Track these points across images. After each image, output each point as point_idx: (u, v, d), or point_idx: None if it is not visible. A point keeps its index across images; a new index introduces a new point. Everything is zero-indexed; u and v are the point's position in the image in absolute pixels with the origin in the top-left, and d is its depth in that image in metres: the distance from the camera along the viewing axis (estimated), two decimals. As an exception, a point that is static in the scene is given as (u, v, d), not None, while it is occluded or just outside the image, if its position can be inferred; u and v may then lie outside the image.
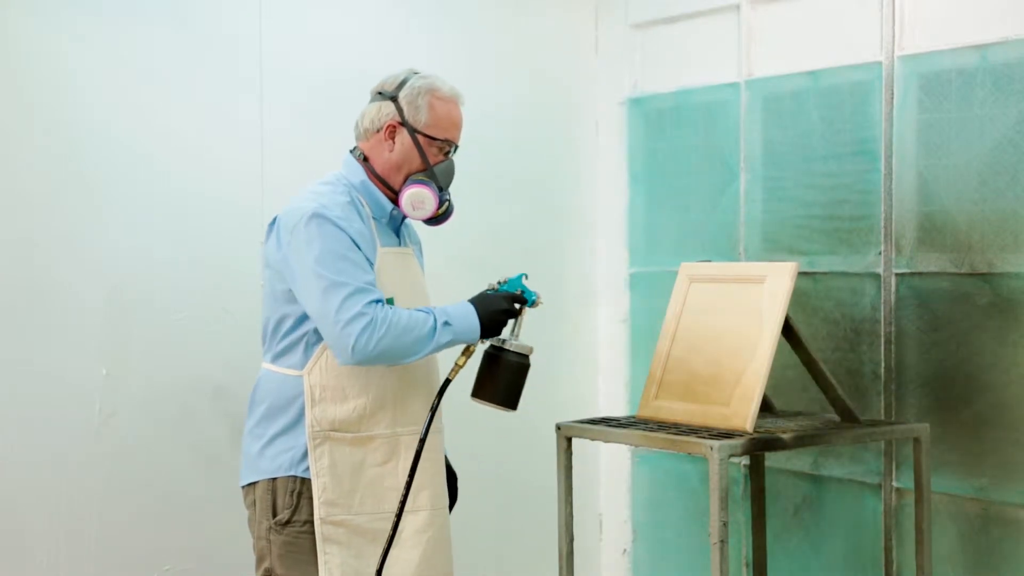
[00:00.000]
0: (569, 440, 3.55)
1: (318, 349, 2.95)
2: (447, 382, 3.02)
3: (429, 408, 3.01)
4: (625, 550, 4.80)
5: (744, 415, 3.26)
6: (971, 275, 3.66)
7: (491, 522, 4.47)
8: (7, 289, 3.53)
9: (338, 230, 2.89)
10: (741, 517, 4.22)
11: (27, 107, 3.56)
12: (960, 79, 3.69)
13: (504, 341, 3.06)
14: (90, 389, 3.65)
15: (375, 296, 2.87)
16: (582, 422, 3.56)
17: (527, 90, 4.65)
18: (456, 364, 3.01)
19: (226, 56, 3.91)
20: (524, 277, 3.10)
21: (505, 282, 3.09)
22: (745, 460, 4.13)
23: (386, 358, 2.89)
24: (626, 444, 3.55)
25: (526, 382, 3.08)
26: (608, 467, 4.83)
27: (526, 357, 3.06)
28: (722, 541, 3.09)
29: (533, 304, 3.09)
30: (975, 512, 3.69)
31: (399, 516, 2.96)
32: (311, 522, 2.94)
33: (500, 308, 3.01)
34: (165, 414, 3.78)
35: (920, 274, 3.79)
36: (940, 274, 3.74)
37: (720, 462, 3.09)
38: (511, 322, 3.07)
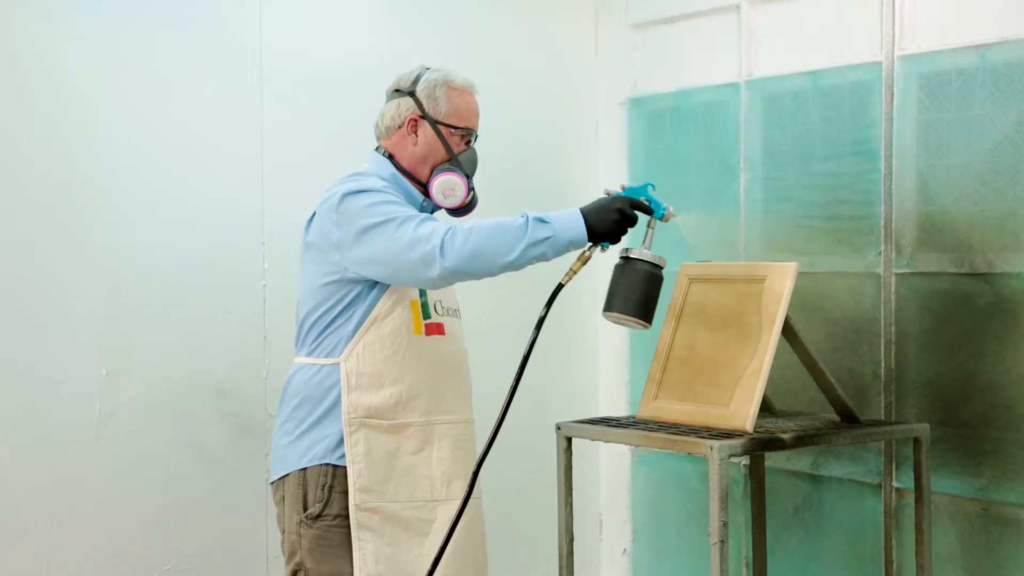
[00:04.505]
0: (569, 440, 3.55)
1: (356, 336, 2.97)
2: (559, 287, 2.89)
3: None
4: (625, 550, 4.80)
5: (744, 415, 3.26)
6: (971, 275, 3.66)
7: (491, 522, 4.45)
8: (7, 289, 3.52)
9: (383, 193, 2.93)
10: (741, 517, 4.21)
11: (27, 107, 3.56)
12: (960, 79, 3.68)
13: (630, 250, 2.94)
14: (90, 389, 3.65)
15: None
16: (582, 422, 3.56)
17: (527, 90, 4.64)
18: (571, 269, 2.89)
19: (226, 56, 3.91)
20: (651, 187, 2.94)
21: (624, 189, 2.94)
22: (745, 460, 4.13)
23: (480, 261, 2.81)
24: (626, 444, 3.55)
25: (659, 297, 2.91)
26: (608, 467, 4.83)
27: (658, 267, 2.91)
28: (722, 541, 3.09)
29: (663, 217, 2.92)
30: (975, 512, 3.69)
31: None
32: (342, 516, 2.96)
33: (613, 208, 2.87)
34: (165, 414, 3.78)
35: (920, 274, 3.79)
36: (940, 274, 3.74)
37: (720, 462, 3.08)
38: (643, 235, 2.93)
